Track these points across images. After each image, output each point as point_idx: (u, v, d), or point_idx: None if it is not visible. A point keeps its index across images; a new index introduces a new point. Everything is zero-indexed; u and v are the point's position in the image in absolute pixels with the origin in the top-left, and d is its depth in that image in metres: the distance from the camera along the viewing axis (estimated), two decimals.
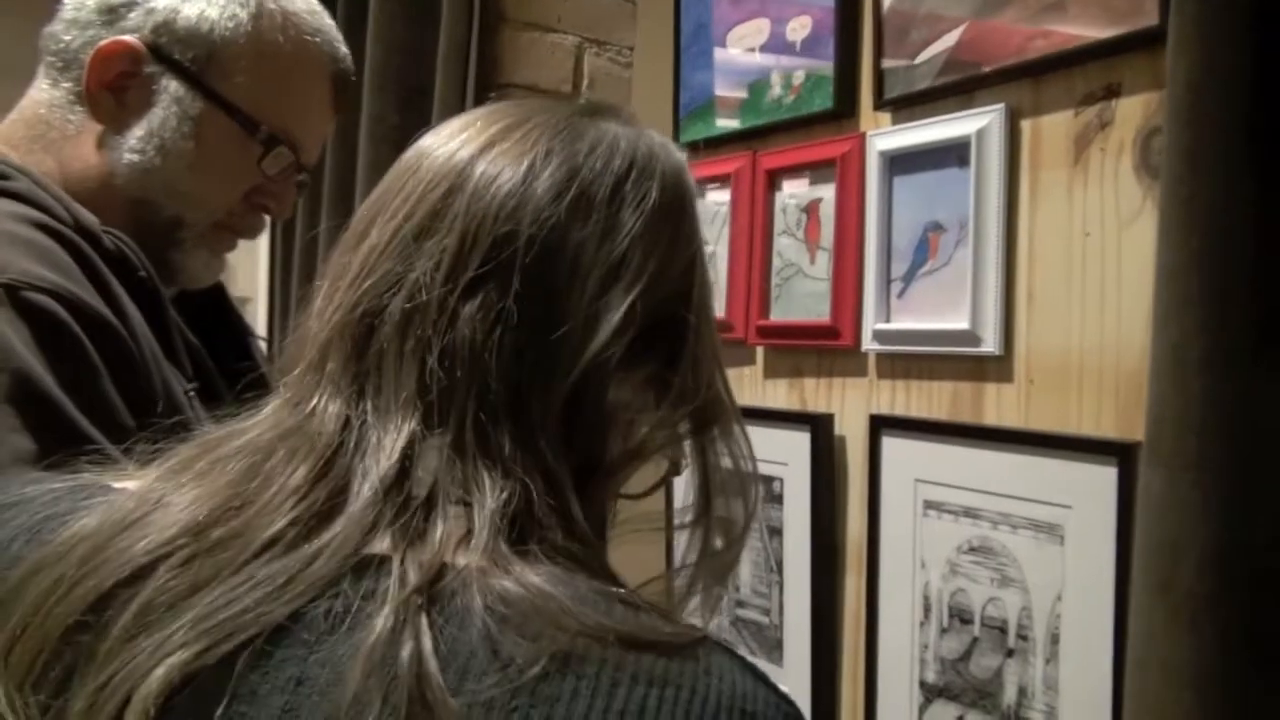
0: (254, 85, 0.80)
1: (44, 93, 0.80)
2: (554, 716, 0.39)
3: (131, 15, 0.78)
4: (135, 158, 0.78)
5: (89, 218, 0.74)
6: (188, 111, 0.79)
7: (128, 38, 0.77)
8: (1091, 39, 0.89)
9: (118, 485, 0.50)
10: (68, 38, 0.79)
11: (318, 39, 0.84)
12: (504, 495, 0.45)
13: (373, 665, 0.39)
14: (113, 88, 0.78)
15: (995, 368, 0.98)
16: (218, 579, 0.43)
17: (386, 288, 0.48)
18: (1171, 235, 0.53)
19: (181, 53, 0.79)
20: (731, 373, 1.30)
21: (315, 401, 0.48)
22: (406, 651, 0.39)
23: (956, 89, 1.01)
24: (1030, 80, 0.96)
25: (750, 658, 1.22)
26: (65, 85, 0.79)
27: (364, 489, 0.45)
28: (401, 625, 0.40)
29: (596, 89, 1.63)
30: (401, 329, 0.47)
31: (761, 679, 0.44)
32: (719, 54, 1.33)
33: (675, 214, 0.52)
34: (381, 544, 0.44)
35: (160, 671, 0.41)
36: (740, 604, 1.26)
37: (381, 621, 0.40)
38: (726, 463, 0.56)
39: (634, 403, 0.51)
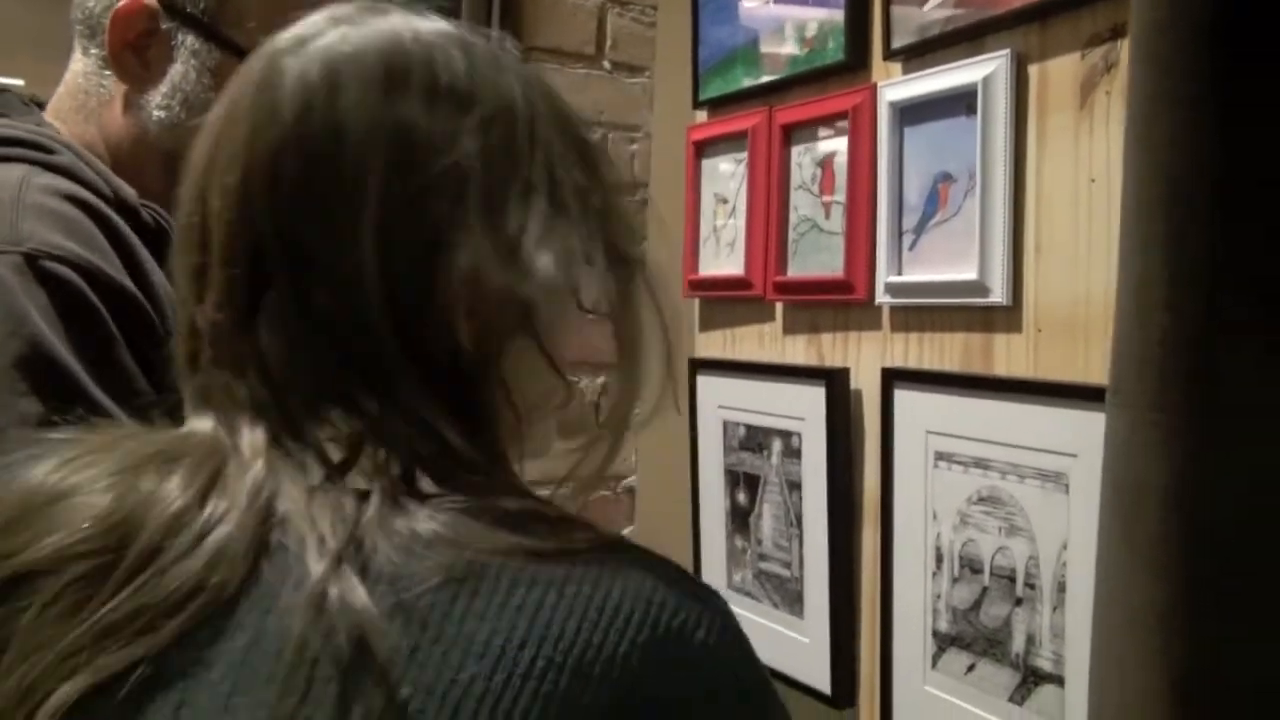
0: (266, 27, 0.82)
1: (78, 62, 0.83)
2: (452, 614, 0.41)
3: None
4: (162, 114, 0.80)
5: (128, 191, 0.77)
6: (206, 63, 0.80)
7: None
8: None
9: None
10: (91, 3, 0.81)
11: None
12: (387, 449, 0.46)
13: (310, 614, 0.41)
14: (135, 47, 0.79)
15: (1004, 318, 0.98)
16: (128, 583, 0.44)
17: (190, 334, 0.50)
18: (1133, 177, 0.53)
19: (193, 5, 0.79)
20: (751, 330, 1.31)
21: (190, 418, 0.50)
22: (335, 593, 0.41)
23: (964, 35, 1.00)
24: (1038, 23, 0.94)
25: (773, 610, 1.24)
26: (94, 52, 0.82)
27: (245, 482, 0.46)
28: (327, 578, 0.41)
29: (620, 49, 1.63)
30: (216, 367, 0.48)
31: (680, 576, 0.45)
32: (735, 10, 1.32)
33: (403, 100, 0.49)
34: (282, 529, 0.44)
35: (68, 687, 0.42)
36: (763, 557, 1.28)
37: (308, 586, 0.41)
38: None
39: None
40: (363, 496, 0.44)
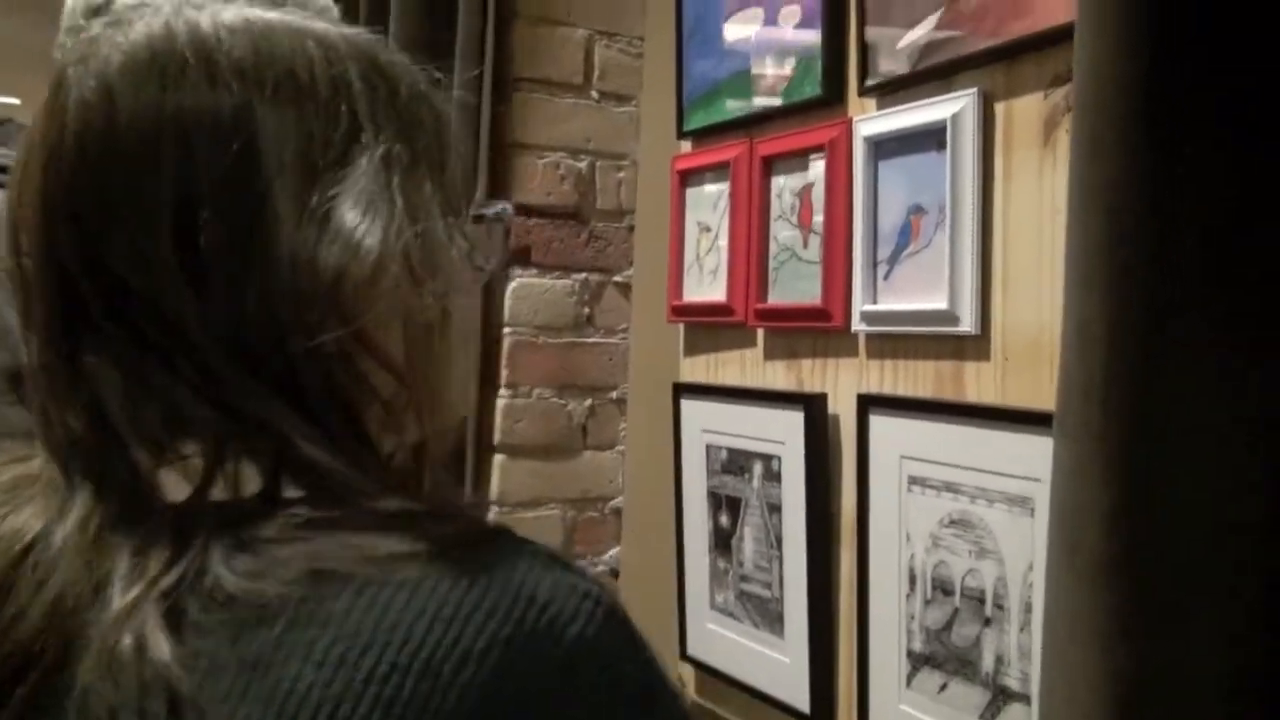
0: None
1: None
2: (297, 622, 0.39)
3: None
4: None
5: None
6: None
7: None
8: (1059, 23, 0.90)
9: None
10: (69, 44, 0.84)
11: None
12: (236, 465, 0.44)
13: (105, 656, 0.39)
14: None
15: (973, 346, 1.01)
16: None
17: (14, 376, 0.49)
18: (1076, 218, 0.56)
19: None
20: (734, 355, 1.34)
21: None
22: (134, 642, 0.39)
23: (935, 74, 1.04)
24: (1004, 64, 0.98)
25: (754, 630, 1.27)
26: None
27: (81, 496, 0.44)
28: (132, 613, 0.40)
29: (607, 80, 1.67)
30: (63, 411, 0.46)
31: (557, 566, 0.42)
32: (718, 43, 1.36)
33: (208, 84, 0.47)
34: (117, 556, 0.43)
35: None
36: (744, 578, 1.30)
37: (112, 616, 0.40)
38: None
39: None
40: (201, 521, 0.43)
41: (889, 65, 1.09)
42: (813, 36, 1.19)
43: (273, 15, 0.49)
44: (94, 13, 0.50)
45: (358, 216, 0.46)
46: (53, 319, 0.47)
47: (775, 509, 1.25)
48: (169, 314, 0.45)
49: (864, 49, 1.12)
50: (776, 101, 1.25)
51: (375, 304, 0.47)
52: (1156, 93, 0.53)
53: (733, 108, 1.33)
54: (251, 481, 0.45)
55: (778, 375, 1.28)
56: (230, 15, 0.49)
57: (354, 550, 0.41)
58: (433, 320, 0.50)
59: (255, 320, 0.45)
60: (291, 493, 0.44)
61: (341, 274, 0.46)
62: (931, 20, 1.03)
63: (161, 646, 0.40)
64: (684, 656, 1.41)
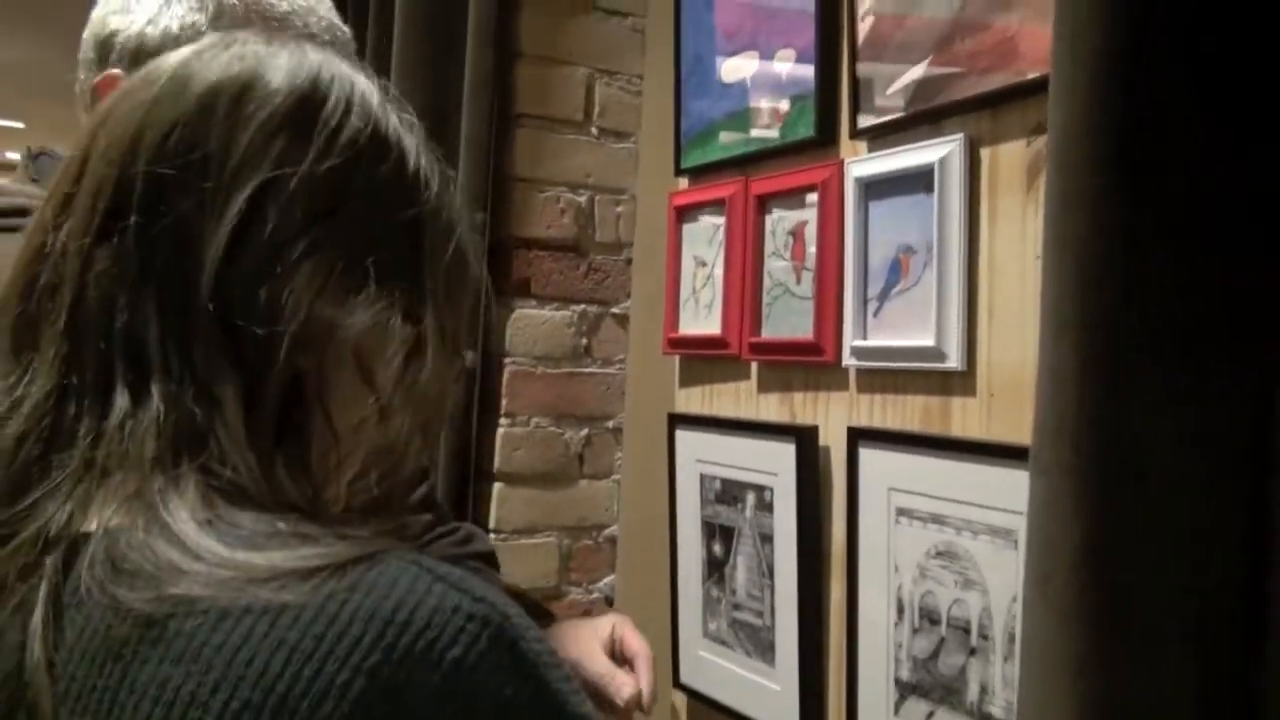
0: None
1: None
2: (151, 658, 0.38)
3: (115, 46, 0.82)
4: None
5: None
6: None
7: (112, 70, 0.82)
8: (1041, 74, 0.94)
9: None
10: (82, 77, 0.85)
11: (287, 21, 0.84)
12: (154, 442, 0.43)
13: None
14: None
15: (960, 382, 1.04)
16: None
17: (34, 263, 0.50)
18: (1049, 267, 0.59)
19: None
20: (728, 387, 1.37)
21: None
22: (9, 606, 0.40)
23: (923, 119, 1.08)
24: (989, 111, 1.02)
25: (746, 658, 1.29)
26: None
27: (15, 459, 0.44)
28: (21, 605, 0.40)
29: (607, 116, 1.71)
30: (48, 293, 0.48)
31: (443, 585, 0.40)
32: (715, 84, 1.40)
33: (296, 120, 0.50)
34: (37, 515, 0.43)
35: None
36: (737, 607, 1.33)
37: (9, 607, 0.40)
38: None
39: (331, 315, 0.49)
40: (91, 484, 0.43)
41: (880, 109, 1.13)
42: (806, 80, 1.23)
43: (382, 102, 0.55)
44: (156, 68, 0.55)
45: (373, 281, 0.50)
46: (93, 214, 0.49)
47: (767, 539, 1.27)
48: (191, 265, 0.47)
49: (856, 93, 1.16)
50: (771, 142, 1.29)
51: (359, 355, 0.50)
52: (1124, 152, 0.57)
53: (728, 146, 1.37)
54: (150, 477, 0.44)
55: (770, 407, 1.31)
56: (357, 88, 0.54)
57: (219, 574, 0.39)
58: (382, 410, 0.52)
59: (255, 317, 0.47)
60: (191, 494, 0.43)
61: (333, 322, 0.49)
62: (921, 67, 1.07)
63: (37, 658, 0.39)
64: (677, 684, 1.43)
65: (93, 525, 0.43)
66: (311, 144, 0.50)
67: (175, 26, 0.81)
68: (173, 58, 0.54)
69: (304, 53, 0.54)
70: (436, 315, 0.53)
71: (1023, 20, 0.96)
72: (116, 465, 0.44)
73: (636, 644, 0.96)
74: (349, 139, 0.51)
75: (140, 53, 0.81)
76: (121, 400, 0.45)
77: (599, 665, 0.93)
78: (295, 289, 0.48)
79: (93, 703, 0.39)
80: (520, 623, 0.42)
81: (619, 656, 0.94)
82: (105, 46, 0.83)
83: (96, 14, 0.85)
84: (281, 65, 0.52)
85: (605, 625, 0.98)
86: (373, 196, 0.52)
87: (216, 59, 0.52)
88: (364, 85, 0.55)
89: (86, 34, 0.86)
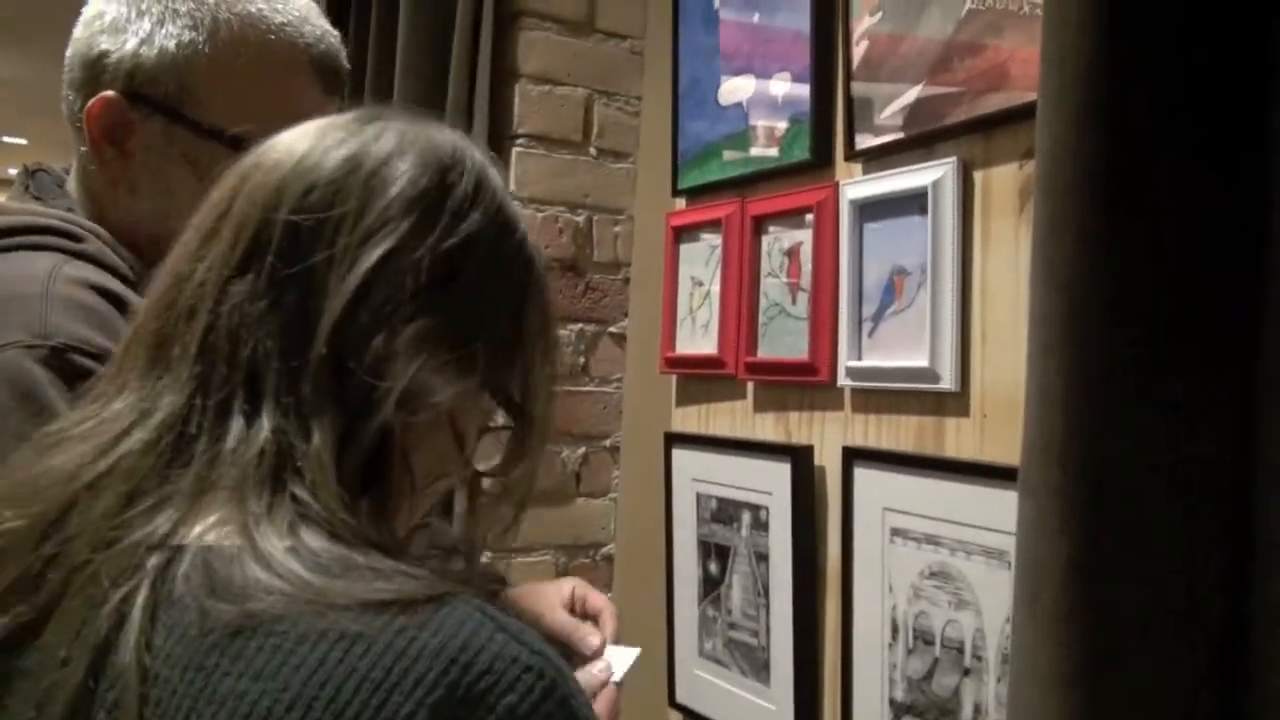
0: (228, 102, 0.81)
1: (78, 152, 0.84)
2: (232, 671, 0.40)
3: (107, 68, 0.80)
4: (148, 204, 0.81)
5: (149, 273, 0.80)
6: (178, 147, 0.80)
7: (106, 92, 0.80)
8: (1033, 99, 0.95)
9: None
10: (71, 97, 0.83)
11: (282, 34, 0.84)
12: (256, 469, 0.47)
13: (80, 613, 0.43)
14: (112, 140, 0.80)
15: (953, 403, 1.05)
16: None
17: (175, 287, 0.54)
18: (1036, 290, 0.60)
19: (154, 92, 0.80)
20: (724, 406, 1.38)
21: (114, 397, 0.53)
22: (112, 603, 0.43)
23: (917, 142, 1.09)
24: (981, 135, 1.03)
25: (741, 678, 1.29)
26: (84, 146, 0.83)
27: (121, 466, 0.48)
28: (117, 607, 0.43)
29: (606, 137, 1.72)
30: (185, 316, 0.52)
31: (505, 635, 0.42)
32: (712, 106, 1.41)
33: (429, 199, 0.54)
34: (146, 525, 0.46)
35: None
36: (732, 626, 1.33)
37: (107, 610, 0.43)
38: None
39: (423, 371, 0.52)
40: (194, 501, 0.46)
41: (875, 132, 1.14)
42: (802, 102, 1.24)
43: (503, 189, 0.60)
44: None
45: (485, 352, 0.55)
46: (234, 247, 0.53)
47: (763, 558, 1.27)
48: (313, 310, 0.51)
49: (851, 115, 1.17)
50: (767, 163, 1.30)
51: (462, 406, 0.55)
52: (1110, 175, 0.58)
53: (725, 168, 1.38)
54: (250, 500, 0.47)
55: (766, 427, 1.31)
56: (488, 168, 0.59)
57: (305, 594, 0.42)
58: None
59: (367, 362, 0.50)
60: (281, 517, 0.46)
61: (443, 375, 0.53)
62: (915, 91, 1.08)
63: (129, 659, 0.42)
64: (672, 703, 1.43)
65: (191, 538, 0.46)
66: (439, 223, 0.54)
67: (172, 45, 0.80)
68: (324, 120, 0.58)
69: (442, 133, 0.58)
70: (527, 391, 0.58)
71: (1015, 45, 0.97)
72: (222, 485, 0.47)
73: (599, 600, 0.99)
74: (472, 224, 0.56)
75: (136, 73, 0.80)
76: (237, 425, 0.49)
77: (562, 619, 0.96)
78: (403, 350, 0.51)
79: (172, 708, 0.41)
80: (572, 682, 0.44)
81: (580, 614, 0.96)
82: (96, 68, 0.81)
83: (80, 33, 0.83)
84: (421, 144, 0.56)
85: (566, 585, 1.00)
86: (485, 276, 0.56)
87: (363, 130, 0.57)
88: (492, 171, 0.59)
89: (71, 53, 0.83)
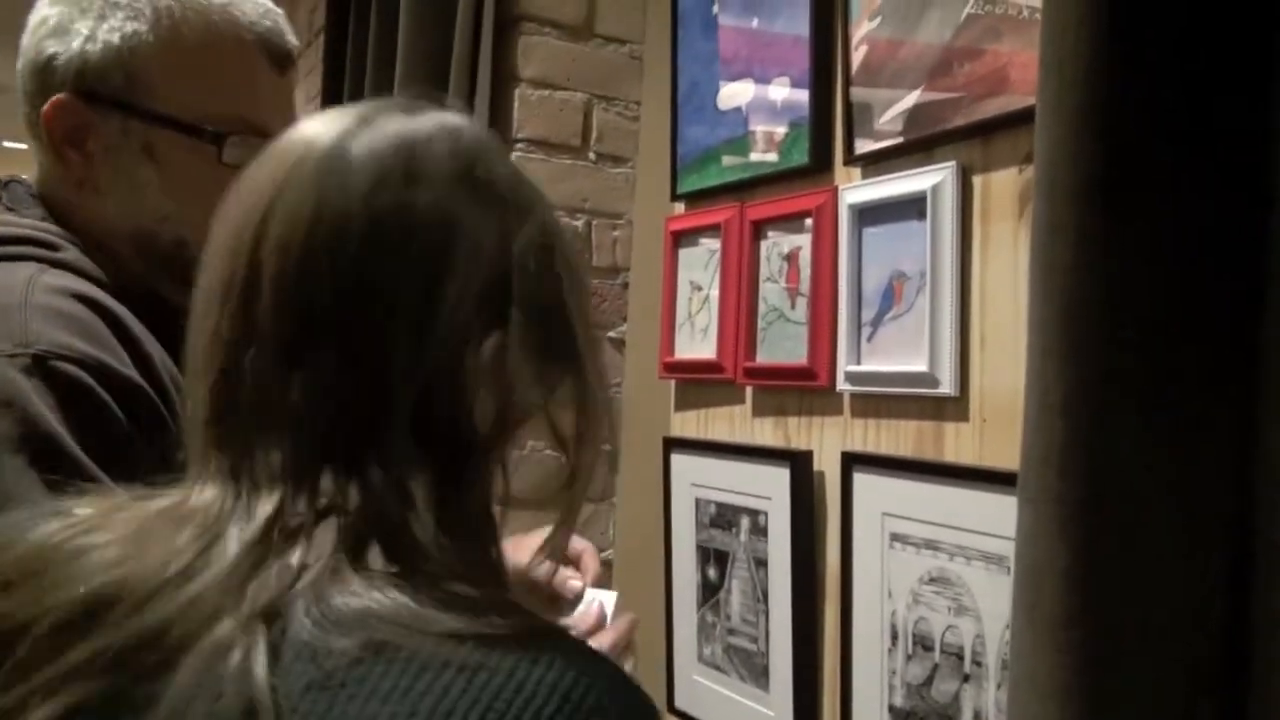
0: (177, 89, 0.81)
1: (38, 163, 0.84)
2: (358, 694, 0.41)
3: (56, 70, 0.80)
4: (112, 199, 0.81)
5: (125, 278, 0.79)
6: (135, 140, 0.80)
7: (57, 95, 0.80)
8: (1032, 103, 0.95)
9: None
10: (26, 108, 0.83)
11: (225, 15, 0.83)
12: (353, 537, 0.47)
13: (200, 669, 0.42)
14: (71, 142, 0.80)
15: (953, 407, 1.04)
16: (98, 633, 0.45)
17: (224, 361, 0.51)
18: (1036, 294, 0.60)
19: (104, 88, 0.80)
20: (723, 411, 1.37)
21: (197, 480, 0.51)
22: (235, 659, 0.42)
23: (916, 147, 1.09)
24: (980, 139, 1.03)
25: (740, 683, 1.29)
26: (44, 155, 0.83)
27: (228, 547, 0.47)
28: (232, 640, 0.43)
29: (605, 142, 1.72)
30: (250, 409, 0.50)
31: (605, 671, 0.44)
32: (711, 111, 1.41)
33: (469, 198, 0.52)
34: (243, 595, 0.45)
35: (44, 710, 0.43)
36: (731, 631, 1.33)
37: (212, 639, 0.43)
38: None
39: (496, 385, 0.52)
40: (303, 565, 0.46)
41: (874, 136, 1.14)
42: (801, 107, 1.24)
43: (513, 161, 0.58)
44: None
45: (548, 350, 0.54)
46: (284, 339, 0.50)
47: (762, 563, 1.27)
48: (387, 373, 0.49)
49: (850, 120, 1.17)
50: (766, 168, 1.30)
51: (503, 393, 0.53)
52: (1108, 179, 0.58)
53: (724, 173, 1.38)
54: (348, 539, 0.48)
55: (765, 432, 1.31)
56: (494, 143, 0.57)
57: (419, 625, 0.43)
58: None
59: (447, 402, 0.50)
60: (375, 558, 0.47)
61: (524, 389, 0.53)
62: (914, 95, 1.08)
63: (261, 676, 0.42)
64: (671, 708, 1.42)
65: (302, 585, 0.46)
66: (484, 247, 0.52)
67: (116, 39, 0.80)
68: (326, 143, 0.53)
69: (445, 132, 0.54)
70: (585, 377, 0.58)
71: (1014, 49, 0.97)
72: (328, 552, 0.47)
73: (579, 543, 1.00)
74: (523, 239, 0.54)
75: (85, 72, 0.80)
76: (329, 494, 0.49)
77: (544, 567, 0.96)
78: (483, 375, 0.51)
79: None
80: (655, 711, 0.47)
81: (562, 561, 0.98)
82: (46, 73, 0.81)
83: (28, 41, 0.83)
84: (439, 149, 0.53)
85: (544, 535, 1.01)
86: (539, 276, 0.54)
87: (358, 143, 0.52)
88: (513, 166, 0.57)
89: (21, 65, 0.83)
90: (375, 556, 0.47)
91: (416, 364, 0.50)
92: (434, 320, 0.50)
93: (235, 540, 0.47)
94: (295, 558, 0.46)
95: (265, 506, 0.48)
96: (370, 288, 0.50)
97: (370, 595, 0.45)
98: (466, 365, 0.51)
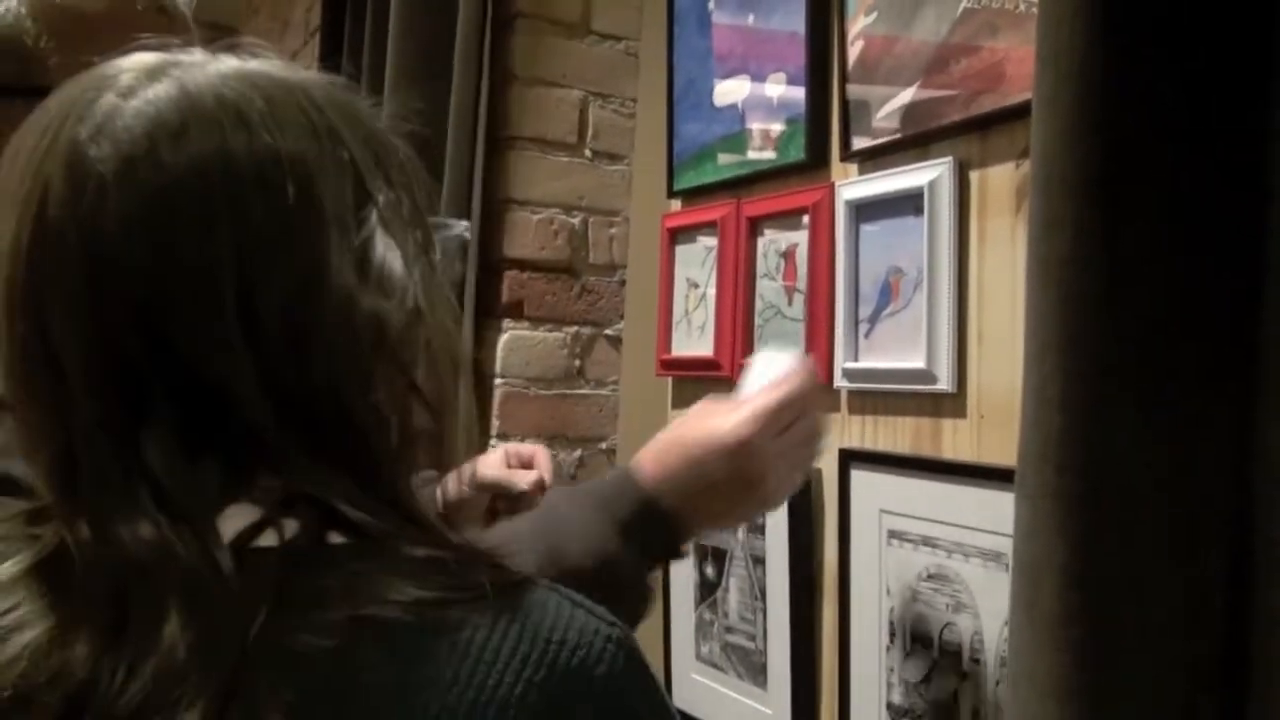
0: (69, 57, 0.75)
1: None
2: (346, 668, 0.41)
3: None
4: None
5: None
6: None
7: None
8: (1029, 98, 0.95)
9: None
10: None
11: None
12: (286, 519, 0.45)
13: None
14: None
15: (950, 404, 1.04)
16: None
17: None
18: (1032, 289, 0.60)
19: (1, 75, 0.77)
20: None
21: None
22: None
23: (913, 142, 1.08)
24: (977, 134, 1.02)
25: (738, 681, 1.28)
26: None
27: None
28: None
29: (601, 139, 1.72)
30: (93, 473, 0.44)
31: (582, 610, 0.45)
32: (707, 107, 1.41)
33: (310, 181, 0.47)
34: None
35: None
36: (729, 630, 1.32)
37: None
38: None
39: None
40: (257, 571, 0.43)
41: (870, 132, 1.13)
42: (798, 103, 1.24)
43: (259, 67, 0.49)
44: (100, 88, 0.48)
45: (390, 262, 0.48)
46: (109, 408, 0.44)
47: (759, 561, 1.27)
48: (227, 382, 0.45)
49: (846, 116, 1.16)
50: (763, 164, 1.30)
51: (417, 347, 0.49)
52: (1105, 172, 0.57)
53: (721, 169, 1.37)
54: (290, 528, 0.46)
55: None
56: (231, 69, 0.48)
57: (394, 596, 0.43)
58: (456, 354, 0.52)
59: (314, 381, 0.46)
60: (335, 538, 0.46)
61: (385, 321, 0.47)
62: (910, 91, 1.08)
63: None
64: None
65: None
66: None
67: None
68: (31, 171, 0.46)
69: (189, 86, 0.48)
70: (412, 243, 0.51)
71: (1011, 44, 0.97)
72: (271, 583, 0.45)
73: (529, 448, 1.01)
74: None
75: None
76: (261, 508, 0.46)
77: (498, 469, 1.00)
78: (330, 307, 0.46)
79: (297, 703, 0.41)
80: (639, 646, 0.47)
81: (518, 466, 1.01)
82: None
83: None
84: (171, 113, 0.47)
85: (499, 449, 1.04)
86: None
87: (87, 149, 0.46)
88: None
89: None
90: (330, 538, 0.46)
91: (255, 358, 0.45)
92: (250, 298, 0.45)
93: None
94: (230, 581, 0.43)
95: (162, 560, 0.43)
96: (172, 310, 0.44)
97: (334, 577, 0.43)
98: (310, 322, 0.46)
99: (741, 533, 1.30)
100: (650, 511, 0.79)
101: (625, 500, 0.80)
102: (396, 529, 0.47)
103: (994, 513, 0.96)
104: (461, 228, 0.62)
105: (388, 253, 0.48)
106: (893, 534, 1.08)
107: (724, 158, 1.37)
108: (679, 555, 0.84)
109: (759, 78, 1.31)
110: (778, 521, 1.23)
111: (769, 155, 1.29)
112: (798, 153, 1.23)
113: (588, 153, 1.71)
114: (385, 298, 0.47)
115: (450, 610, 0.43)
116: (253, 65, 0.50)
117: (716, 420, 0.85)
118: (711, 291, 1.38)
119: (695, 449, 0.85)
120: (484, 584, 0.44)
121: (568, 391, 1.66)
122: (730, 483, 0.83)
